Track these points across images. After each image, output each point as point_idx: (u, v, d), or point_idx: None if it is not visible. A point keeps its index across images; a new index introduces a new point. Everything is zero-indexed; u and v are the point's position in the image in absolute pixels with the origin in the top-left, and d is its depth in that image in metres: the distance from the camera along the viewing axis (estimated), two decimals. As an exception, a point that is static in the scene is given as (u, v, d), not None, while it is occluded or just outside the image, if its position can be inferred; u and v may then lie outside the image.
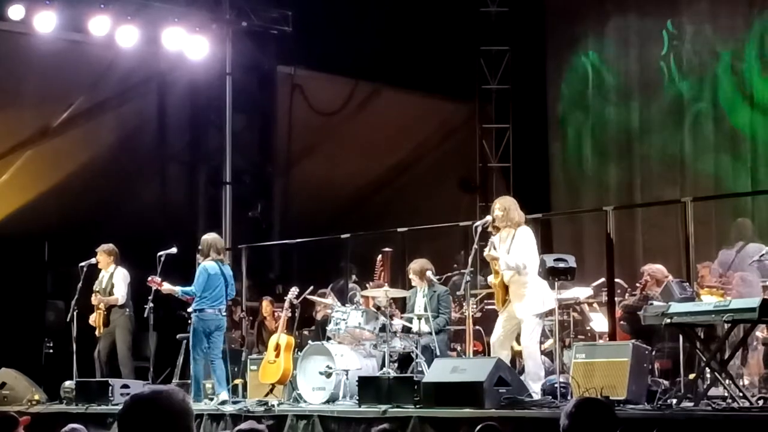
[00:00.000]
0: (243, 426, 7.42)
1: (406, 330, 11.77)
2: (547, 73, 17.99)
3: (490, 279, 10.49)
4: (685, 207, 11.29)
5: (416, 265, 11.91)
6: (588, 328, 12.31)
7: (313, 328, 13.69)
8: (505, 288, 10.28)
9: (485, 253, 10.17)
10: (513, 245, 10.15)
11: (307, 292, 12.84)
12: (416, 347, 11.23)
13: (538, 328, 10.33)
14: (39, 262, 16.53)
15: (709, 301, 10.01)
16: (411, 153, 18.67)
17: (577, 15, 17.66)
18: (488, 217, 10.43)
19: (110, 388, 11.98)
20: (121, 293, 13.10)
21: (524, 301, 10.16)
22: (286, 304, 12.62)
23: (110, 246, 13.32)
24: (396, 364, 11.40)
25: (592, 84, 17.33)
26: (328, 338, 11.78)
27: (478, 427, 7.02)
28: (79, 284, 13.05)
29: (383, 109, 17.97)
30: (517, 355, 11.62)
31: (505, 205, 10.39)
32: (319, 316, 13.69)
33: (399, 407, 9.63)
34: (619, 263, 12.79)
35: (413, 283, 11.91)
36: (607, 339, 11.38)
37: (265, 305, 14.39)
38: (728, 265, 12.03)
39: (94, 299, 13.07)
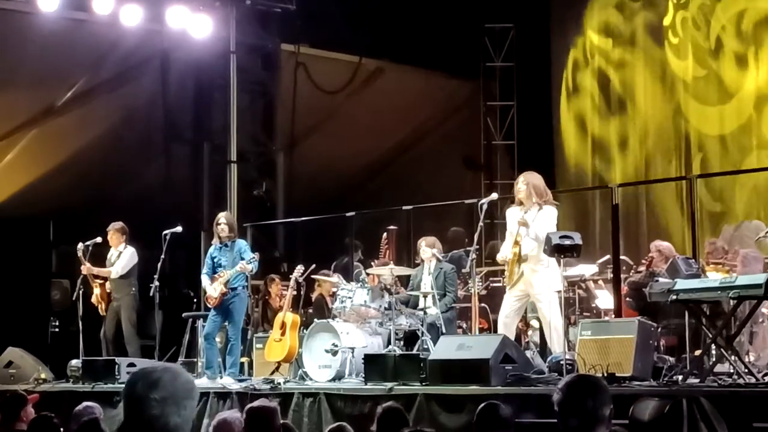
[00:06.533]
0: (255, 403, 7.45)
1: (409, 305, 11.77)
2: (552, 50, 17.94)
3: (504, 255, 10.39)
4: (691, 184, 11.29)
5: (431, 239, 11.94)
6: (593, 305, 12.33)
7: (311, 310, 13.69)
8: (517, 265, 10.25)
9: (519, 219, 10.09)
10: (537, 221, 10.13)
11: (309, 270, 12.81)
12: (422, 325, 11.23)
13: (557, 303, 10.36)
14: (44, 241, 16.54)
15: (714, 277, 9.99)
16: (415, 131, 18.65)
17: (582, -9, 17.60)
18: (494, 195, 10.45)
19: (116, 366, 12.01)
20: (116, 269, 13.12)
21: (544, 278, 10.17)
22: (292, 283, 12.63)
23: (121, 224, 13.35)
24: (402, 342, 11.41)
25: (596, 60, 17.27)
26: (334, 317, 11.79)
27: (480, 407, 7.01)
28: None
29: (387, 87, 17.93)
30: (522, 332, 11.65)
31: (528, 181, 10.38)
32: (314, 296, 13.68)
33: (405, 385, 9.65)
34: (625, 240, 12.79)
35: (423, 256, 11.88)
36: (613, 316, 11.38)
37: (274, 286, 14.29)
38: (728, 242, 12.08)
39: (84, 269, 13.06)
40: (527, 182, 10.36)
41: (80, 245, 13.10)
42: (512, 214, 10.42)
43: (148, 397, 3.29)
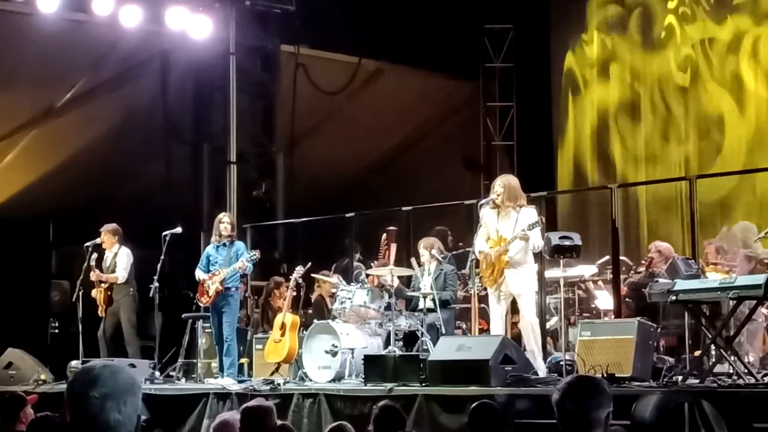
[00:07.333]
0: (250, 403, 7.45)
1: (410, 306, 11.78)
2: (551, 51, 17.94)
3: (488, 253, 10.35)
4: (691, 184, 11.29)
5: (429, 240, 11.95)
6: (593, 305, 12.34)
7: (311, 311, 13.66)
8: (496, 266, 10.26)
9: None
10: (518, 225, 10.11)
11: (306, 269, 12.77)
12: (422, 325, 11.23)
13: (535, 302, 10.43)
14: (44, 242, 16.52)
15: (714, 278, 10.00)
16: (415, 131, 18.66)
17: (581, -8, 17.58)
18: (492, 195, 10.42)
19: (116, 367, 11.96)
20: (122, 273, 13.12)
21: (526, 278, 10.19)
22: (292, 283, 12.62)
23: (114, 226, 13.34)
24: (401, 343, 11.41)
25: (596, 60, 17.26)
26: (334, 317, 11.79)
27: (473, 405, 7.00)
28: (85, 264, 13.07)
29: (387, 88, 17.93)
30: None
31: (505, 184, 10.35)
32: (313, 297, 13.66)
33: (405, 385, 9.66)
34: (624, 241, 12.78)
35: (422, 259, 11.88)
36: (612, 316, 11.39)
37: (281, 288, 14.15)
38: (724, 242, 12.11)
39: (93, 275, 13.08)
40: (504, 185, 10.32)
41: (94, 255, 13.11)
42: (488, 215, 10.38)
43: (87, 395, 3.32)
